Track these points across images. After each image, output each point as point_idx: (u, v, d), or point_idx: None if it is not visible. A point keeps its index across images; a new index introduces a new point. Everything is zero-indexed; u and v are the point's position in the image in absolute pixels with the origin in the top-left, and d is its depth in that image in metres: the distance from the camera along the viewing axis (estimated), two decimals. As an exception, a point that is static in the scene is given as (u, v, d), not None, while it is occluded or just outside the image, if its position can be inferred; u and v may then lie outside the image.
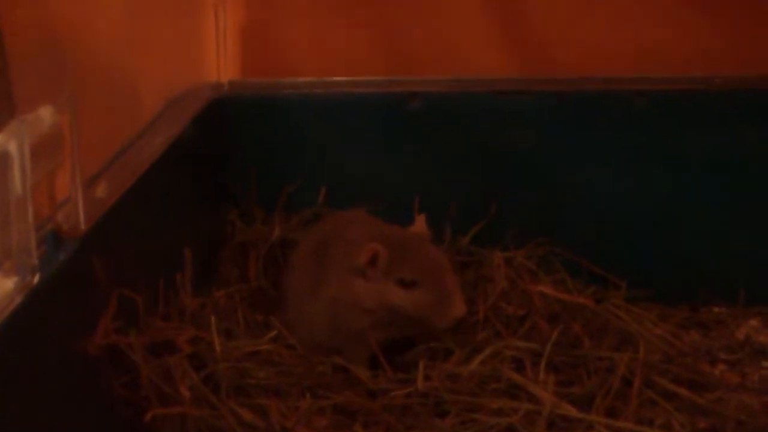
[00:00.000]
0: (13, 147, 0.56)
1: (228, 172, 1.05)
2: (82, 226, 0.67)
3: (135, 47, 0.87)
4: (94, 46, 0.77)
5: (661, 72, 1.07)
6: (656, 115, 1.05)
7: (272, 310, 0.93)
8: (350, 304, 0.83)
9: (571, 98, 1.05)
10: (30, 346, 0.59)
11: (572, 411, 0.74)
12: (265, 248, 0.99)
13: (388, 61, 1.09)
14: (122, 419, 0.71)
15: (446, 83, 1.07)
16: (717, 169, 1.05)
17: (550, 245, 1.03)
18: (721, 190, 1.05)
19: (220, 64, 1.08)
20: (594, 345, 0.85)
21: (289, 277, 0.93)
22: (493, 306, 0.90)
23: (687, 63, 1.07)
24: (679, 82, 1.06)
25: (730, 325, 1.02)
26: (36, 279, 0.60)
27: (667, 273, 1.05)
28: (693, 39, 1.07)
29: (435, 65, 1.09)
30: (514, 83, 1.06)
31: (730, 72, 1.06)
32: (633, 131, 1.05)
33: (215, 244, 1.01)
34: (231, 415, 0.71)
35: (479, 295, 0.92)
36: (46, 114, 0.62)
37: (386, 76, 1.08)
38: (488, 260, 0.99)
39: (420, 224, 0.89)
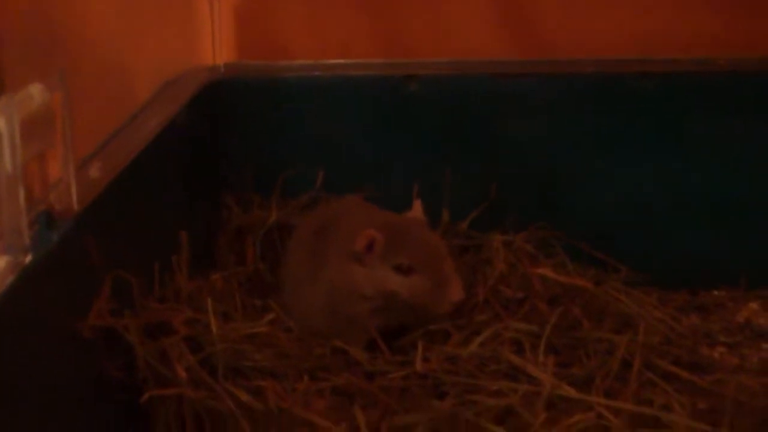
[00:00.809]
0: (1, 124, 0.55)
1: (224, 155, 1.04)
2: (75, 207, 0.66)
3: (129, 29, 0.87)
4: (87, 27, 0.76)
5: (664, 54, 1.06)
6: (658, 97, 1.04)
7: (269, 295, 0.92)
8: (347, 291, 0.82)
9: (571, 81, 1.05)
10: (21, 328, 0.58)
11: (571, 392, 0.74)
12: (262, 233, 0.99)
13: (385, 43, 1.08)
14: (118, 402, 0.70)
15: (444, 65, 1.06)
16: (719, 152, 1.04)
17: (549, 229, 1.02)
18: (724, 173, 1.04)
19: (215, 46, 1.07)
20: (593, 327, 0.84)
21: (286, 263, 0.92)
22: (493, 289, 0.89)
23: (690, 45, 1.06)
24: (683, 64, 1.05)
25: (730, 309, 1.02)
26: (28, 259, 0.59)
27: (667, 257, 1.05)
28: (696, 20, 1.06)
29: (433, 47, 1.08)
30: (513, 66, 1.05)
31: (734, 54, 1.05)
32: (634, 114, 1.04)
33: (211, 228, 1.00)
34: (228, 397, 0.70)
35: (478, 278, 0.91)
36: (36, 92, 0.61)
37: (383, 59, 1.07)
38: (487, 244, 0.99)
39: (417, 210, 0.88)
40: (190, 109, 0.94)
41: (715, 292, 1.05)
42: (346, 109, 1.05)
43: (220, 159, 1.04)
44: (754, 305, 1.03)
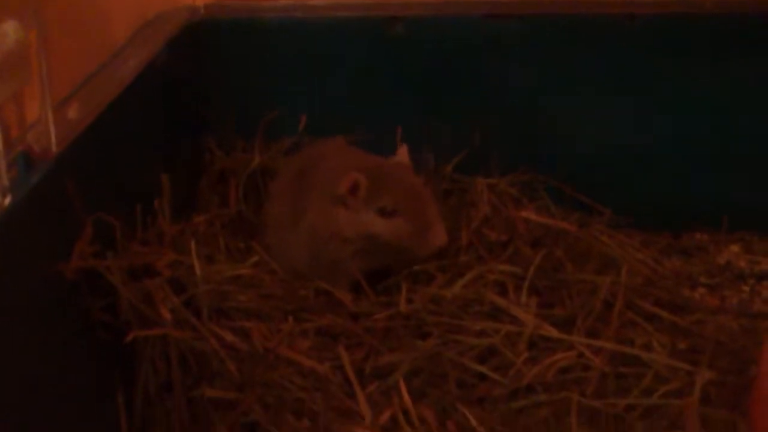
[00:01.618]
0: (-25, 61, 0.54)
1: (205, 97, 1.02)
2: (54, 148, 0.65)
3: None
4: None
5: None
6: (645, 39, 1.03)
7: (253, 238, 0.92)
8: (330, 234, 0.82)
9: (558, 22, 1.03)
10: (2, 270, 0.58)
11: (553, 332, 0.74)
12: (245, 176, 0.98)
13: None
14: (102, 343, 0.70)
15: (430, 6, 1.04)
16: (704, 95, 1.03)
17: (533, 172, 1.02)
18: (707, 116, 1.04)
19: (195, -14, 1.05)
20: (576, 269, 0.85)
21: (269, 206, 0.92)
22: (477, 231, 0.90)
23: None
24: (669, 6, 1.03)
25: (712, 251, 1.03)
26: (7, 201, 0.58)
27: (650, 200, 1.05)
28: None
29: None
30: (500, 6, 1.04)
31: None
32: (621, 56, 1.03)
33: (193, 171, 0.99)
34: (213, 337, 0.71)
35: (462, 221, 0.91)
36: (10, 29, 0.59)
37: (367, -1, 1.05)
38: (472, 187, 0.99)
39: (402, 154, 0.88)
40: (169, 51, 0.92)
41: (697, 235, 1.06)
42: (330, 50, 1.03)
43: (201, 101, 1.02)
44: (734, 248, 1.04)
